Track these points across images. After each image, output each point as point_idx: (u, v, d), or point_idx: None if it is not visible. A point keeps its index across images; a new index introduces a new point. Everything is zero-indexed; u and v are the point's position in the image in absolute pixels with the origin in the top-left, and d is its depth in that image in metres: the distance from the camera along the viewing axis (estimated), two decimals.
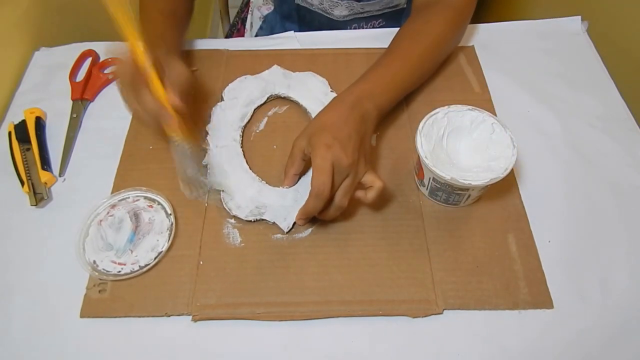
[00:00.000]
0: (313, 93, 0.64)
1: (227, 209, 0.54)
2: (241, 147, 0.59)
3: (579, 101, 0.65)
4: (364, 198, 0.51)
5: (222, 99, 0.64)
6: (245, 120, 0.62)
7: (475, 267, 0.51)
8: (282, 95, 0.64)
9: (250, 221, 0.54)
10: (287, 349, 0.47)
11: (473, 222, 0.54)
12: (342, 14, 0.77)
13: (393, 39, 0.62)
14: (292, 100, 0.64)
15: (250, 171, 0.57)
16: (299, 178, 0.56)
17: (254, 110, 0.63)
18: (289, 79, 0.65)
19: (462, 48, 0.70)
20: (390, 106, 0.58)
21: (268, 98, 0.64)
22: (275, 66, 0.67)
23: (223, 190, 0.55)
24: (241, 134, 0.61)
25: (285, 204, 0.54)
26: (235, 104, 0.63)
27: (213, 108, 0.62)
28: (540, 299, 0.49)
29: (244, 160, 0.58)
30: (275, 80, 0.65)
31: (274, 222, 0.53)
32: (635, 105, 0.65)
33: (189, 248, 0.52)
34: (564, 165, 0.59)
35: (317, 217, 0.51)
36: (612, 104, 0.65)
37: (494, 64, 0.68)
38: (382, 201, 0.55)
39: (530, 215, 0.54)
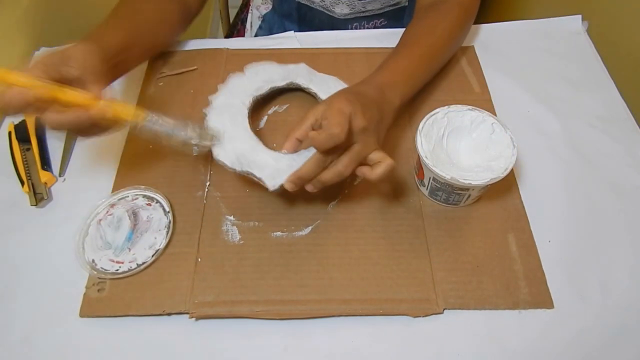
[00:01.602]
0: (332, 92, 0.63)
1: (214, 154, 0.51)
2: (248, 112, 0.57)
3: (579, 101, 0.65)
4: (369, 174, 0.47)
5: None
6: (259, 93, 0.60)
7: (476, 267, 0.51)
8: (303, 86, 0.63)
9: (236, 172, 0.50)
10: (286, 348, 0.47)
11: (473, 222, 0.54)
12: (343, 12, 0.77)
13: (406, 33, 0.63)
14: (309, 93, 0.63)
15: (251, 131, 0.54)
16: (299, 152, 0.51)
17: (270, 89, 0.61)
18: (312, 75, 0.64)
19: (462, 48, 0.70)
20: (410, 97, 0.57)
21: (287, 84, 0.63)
22: (303, 63, 0.65)
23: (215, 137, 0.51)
24: (251, 101, 0.58)
25: (277, 166, 0.50)
26: (255, 77, 0.61)
27: (228, 78, 0.60)
28: (541, 298, 0.49)
29: (247, 122, 0.55)
30: (299, 72, 0.64)
31: (260, 178, 0.49)
32: (635, 105, 0.65)
33: (187, 245, 0.52)
34: (564, 165, 0.59)
35: (306, 188, 0.48)
36: (612, 104, 0.65)
37: (494, 64, 0.68)
38: (382, 200, 0.55)
39: (530, 215, 0.54)
